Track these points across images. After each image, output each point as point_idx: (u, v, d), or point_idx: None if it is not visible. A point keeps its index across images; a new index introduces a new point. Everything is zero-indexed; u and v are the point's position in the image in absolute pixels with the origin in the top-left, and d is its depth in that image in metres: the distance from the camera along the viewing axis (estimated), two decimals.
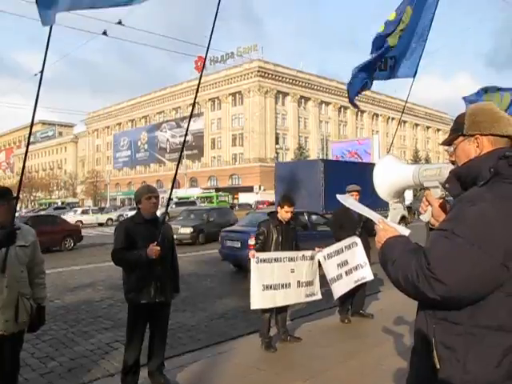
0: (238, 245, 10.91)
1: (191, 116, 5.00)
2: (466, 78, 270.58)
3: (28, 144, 3.63)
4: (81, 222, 38.27)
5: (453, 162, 1.87)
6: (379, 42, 5.98)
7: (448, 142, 1.89)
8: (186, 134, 5.83)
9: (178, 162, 5.22)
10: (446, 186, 1.79)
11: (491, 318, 1.53)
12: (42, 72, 3.44)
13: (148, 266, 4.13)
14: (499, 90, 7.96)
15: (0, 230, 3.19)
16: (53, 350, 5.93)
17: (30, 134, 3.69)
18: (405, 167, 2.12)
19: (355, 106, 6.94)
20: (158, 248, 4.03)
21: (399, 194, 2.21)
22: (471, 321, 1.55)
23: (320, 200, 17.37)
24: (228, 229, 13.60)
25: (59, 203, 73.67)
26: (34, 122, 3.56)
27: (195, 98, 4.88)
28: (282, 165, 27.25)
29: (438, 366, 1.61)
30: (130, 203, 68.65)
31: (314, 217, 13.70)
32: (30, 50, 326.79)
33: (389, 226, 1.88)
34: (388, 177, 2.15)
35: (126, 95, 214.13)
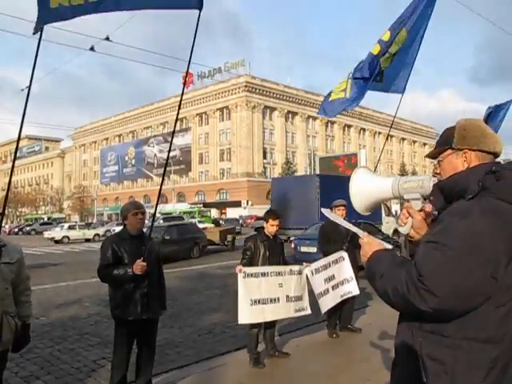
0: (315, 250, 12.23)
1: (174, 132, 4.96)
2: (450, 93, 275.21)
3: (14, 159, 3.60)
4: (67, 237, 37.97)
5: (436, 175, 1.89)
6: (373, 62, 5.95)
7: (434, 155, 1.90)
8: (170, 150, 5.79)
9: (163, 177, 5.20)
10: (431, 198, 1.82)
11: (479, 330, 1.55)
12: (29, 87, 3.43)
13: (134, 282, 4.11)
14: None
15: None
16: (38, 369, 5.81)
17: (17, 148, 3.67)
18: (382, 180, 2.12)
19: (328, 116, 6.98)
20: (145, 264, 4.01)
21: (375, 207, 2.22)
22: (459, 333, 1.56)
23: (316, 214, 17.57)
24: (300, 237, 15.50)
25: (45, 218, 73.22)
26: (21, 137, 3.54)
27: (177, 114, 4.85)
28: (278, 180, 27.48)
29: (425, 380, 1.61)
30: (117, 218, 68.30)
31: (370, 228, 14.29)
32: (14, 65, 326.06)
33: (374, 240, 1.89)
34: (365, 189, 2.14)
35: (112, 110, 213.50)
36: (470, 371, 1.55)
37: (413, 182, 1.97)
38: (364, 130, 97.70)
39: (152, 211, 43.11)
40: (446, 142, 1.85)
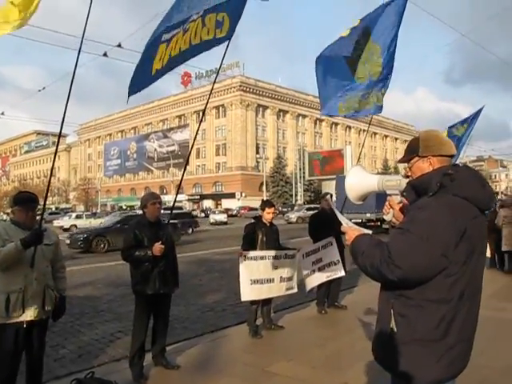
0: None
1: (200, 123, 5.11)
2: (426, 92, 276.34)
3: (55, 154, 3.87)
4: (75, 225, 38.02)
5: (407, 177, 2.24)
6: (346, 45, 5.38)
7: (405, 161, 2.24)
8: (193, 144, 6.03)
9: (184, 170, 5.49)
10: (404, 193, 2.18)
11: (434, 293, 1.94)
12: (71, 85, 3.69)
13: (153, 262, 4.41)
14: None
15: (31, 232, 3.49)
16: (62, 340, 6.14)
17: (58, 143, 3.97)
18: (370, 177, 2.48)
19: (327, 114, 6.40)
20: (163, 246, 4.32)
21: (365, 198, 2.57)
22: (420, 296, 1.95)
23: (371, 201, 18.78)
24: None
25: (53, 208, 73.09)
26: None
27: (205, 109, 5.12)
28: (340, 177, 28.77)
29: (396, 330, 2.01)
30: (119, 209, 68.40)
31: None
32: (14, 63, 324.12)
33: (355, 228, 2.25)
34: (358, 183, 2.49)
35: (115, 108, 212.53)
36: (426, 322, 1.95)
37: (393, 181, 2.33)
38: (350, 127, 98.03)
39: None
40: (413, 150, 2.18)
